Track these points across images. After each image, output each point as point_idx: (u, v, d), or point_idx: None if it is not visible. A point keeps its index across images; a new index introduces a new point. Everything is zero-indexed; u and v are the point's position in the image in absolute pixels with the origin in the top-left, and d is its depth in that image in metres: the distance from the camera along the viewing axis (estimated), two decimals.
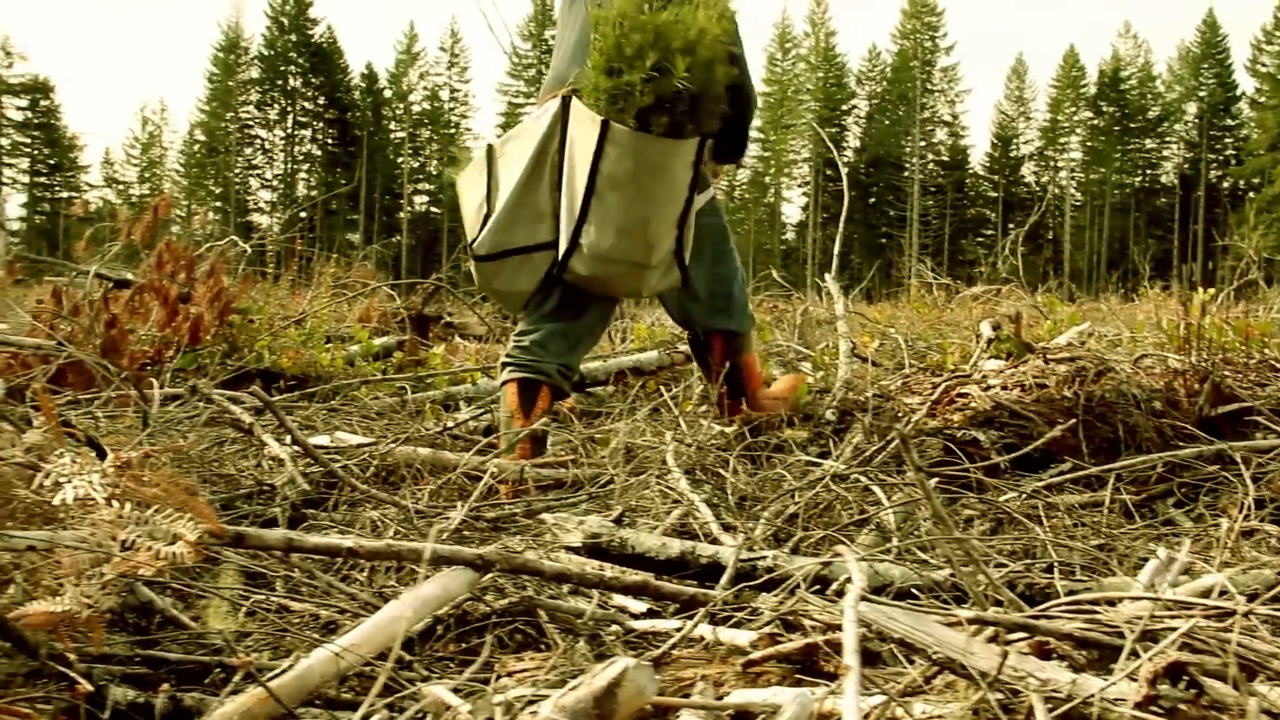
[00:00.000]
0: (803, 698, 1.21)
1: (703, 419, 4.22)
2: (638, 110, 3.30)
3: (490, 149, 3.75)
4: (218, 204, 71.04)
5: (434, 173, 79.60)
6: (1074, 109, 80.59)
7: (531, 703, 1.17)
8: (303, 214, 13.62)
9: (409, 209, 78.90)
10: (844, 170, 6.95)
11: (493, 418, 4.41)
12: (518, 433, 3.58)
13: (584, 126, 3.44)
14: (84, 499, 1.28)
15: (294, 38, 77.99)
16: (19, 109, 73.89)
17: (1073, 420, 3.66)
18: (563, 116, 3.54)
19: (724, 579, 1.88)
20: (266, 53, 78.10)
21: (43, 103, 74.17)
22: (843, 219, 6.09)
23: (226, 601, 1.64)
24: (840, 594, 1.78)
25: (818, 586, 1.82)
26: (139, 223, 6.22)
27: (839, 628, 1.55)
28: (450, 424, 4.28)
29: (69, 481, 1.32)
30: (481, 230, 3.64)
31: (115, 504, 1.26)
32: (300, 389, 5.52)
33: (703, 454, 3.51)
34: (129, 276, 6.22)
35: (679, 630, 1.70)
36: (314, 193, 74.63)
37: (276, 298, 8.74)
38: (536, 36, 78.67)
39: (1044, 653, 1.31)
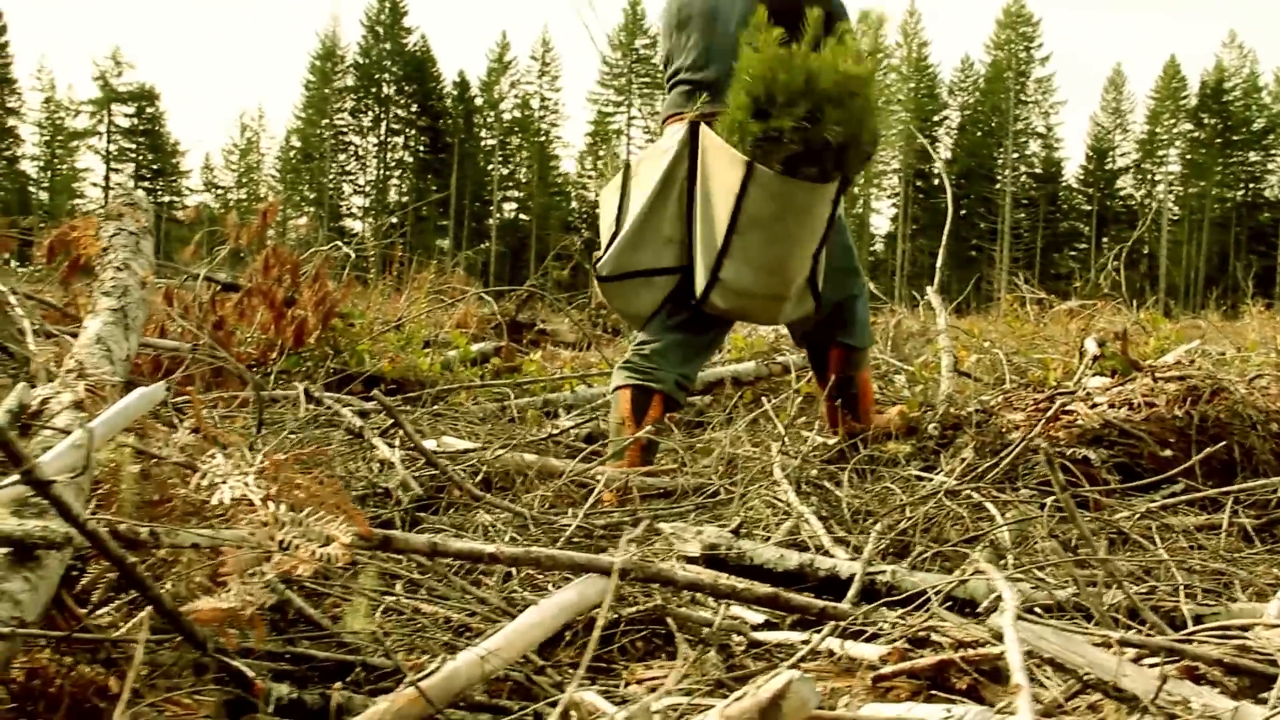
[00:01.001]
0: (984, 714, 1.20)
1: (804, 431, 4.21)
2: (786, 156, 3.29)
3: (628, 166, 3.78)
4: (312, 209, 72.27)
5: (523, 180, 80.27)
6: (1173, 121, 78.87)
7: (685, 713, 1.18)
8: (394, 219, 13.77)
9: (498, 216, 79.63)
10: (948, 183, 6.88)
11: (596, 426, 4.45)
12: (627, 439, 3.59)
13: (722, 160, 3.42)
14: (240, 499, 1.32)
15: (388, 46, 79.22)
16: (126, 116, 76.15)
17: (1184, 440, 3.59)
18: (690, 141, 3.54)
19: (851, 592, 1.88)
20: (361, 61, 79.41)
21: (148, 110, 76.31)
22: (946, 231, 6.03)
23: (365, 602, 1.67)
24: (977, 611, 1.77)
25: (949, 603, 1.81)
26: (246, 228, 6.37)
27: (974, 644, 1.55)
28: (554, 431, 4.31)
29: (225, 482, 1.36)
30: (607, 250, 3.67)
31: (271, 504, 1.29)
32: (400, 393, 5.59)
33: (807, 466, 3.50)
34: (236, 280, 6.36)
35: (805, 642, 1.71)
36: (405, 199, 75.70)
37: (376, 303, 8.89)
38: (626, 46, 79.05)
39: (1194, 678, 1.29)
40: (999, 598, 1.33)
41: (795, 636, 1.78)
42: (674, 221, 3.58)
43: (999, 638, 1.42)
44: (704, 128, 3.49)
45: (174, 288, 6.00)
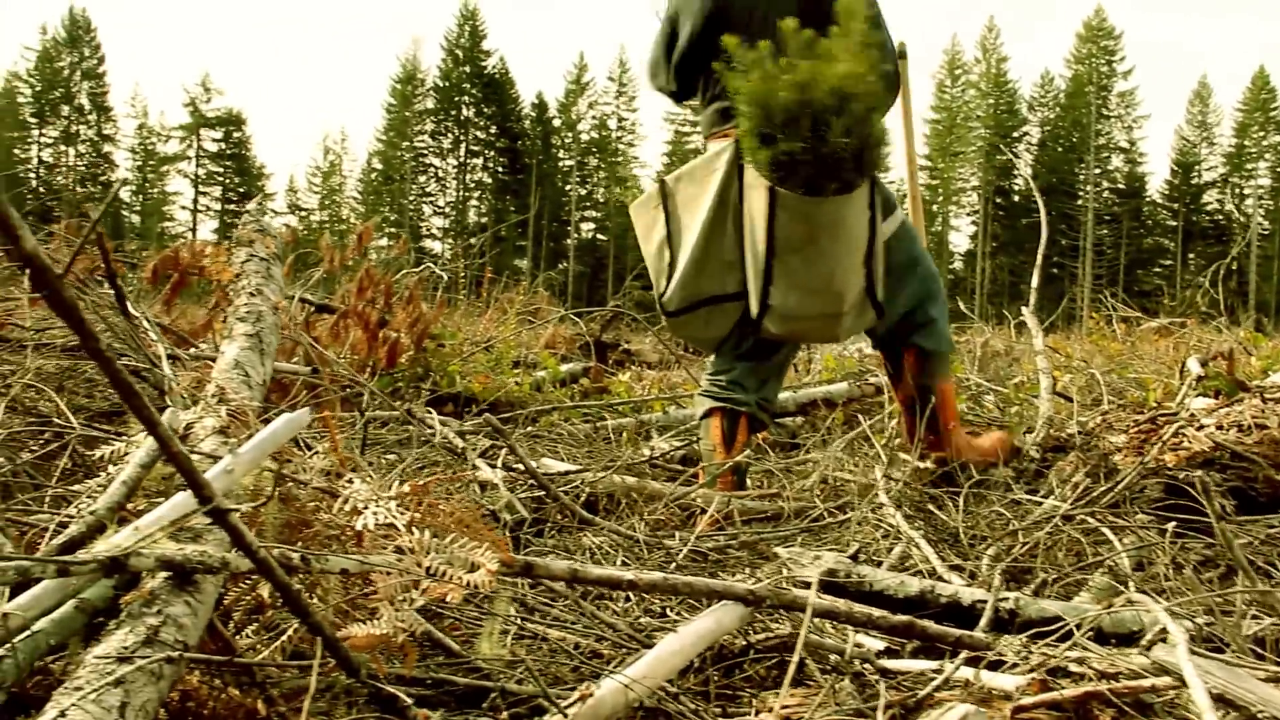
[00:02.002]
0: None
1: (901, 453, 4.16)
2: (805, 177, 3.19)
3: (664, 185, 3.64)
4: (393, 230, 73.25)
5: (601, 200, 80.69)
6: (1263, 133, 77.10)
7: None
8: (474, 240, 13.89)
9: (576, 236, 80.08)
10: (1040, 202, 6.74)
11: (692, 449, 4.43)
12: (721, 464, 3.58)
13: (757, 179, 3.33)
14: (383, 525, 1.32)
15: (468, 69, 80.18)
16: (214, 140, 77.97)
17: None
18: (736, 158, 3.43)
19: (983, 621, 1.84)
20: (441, 84, 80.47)
21: (235, 134, 78.08)
22: (1040, 251, 5.92)
23: (498, 627, 1.67)
24: (1123, 643, 1.73)
25: (1090, 632, 1.77)
26: (342, 250, 6.47)
27: (1118, 676, 1.51)
28: (650, 453, 4.31)
29: (366, 507, 1.36)
30: (669, 284, 3.57)
31: (415, 531, 1.29)
32: (492, 414, 5.61)
33: (909, 489, 3.46)
34: (328, 302, 6.44)
35: (936, 671, 1.68)
36: (484, 220, 76.46)
37: (462, 323, 8.95)
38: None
39: None
40: (1161, 630, 1.29)
41: (925, 665, 1.75)
42: (733, 245, 3.48)
43: (1154, 670, 1.38)
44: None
45: (223, 304, 6.10)
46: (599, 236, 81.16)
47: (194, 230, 76.85)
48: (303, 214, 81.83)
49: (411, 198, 79.99)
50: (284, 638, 1.42)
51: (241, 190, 78.46)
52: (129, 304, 2.70)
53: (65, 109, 74.26)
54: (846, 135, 3.11)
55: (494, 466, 3.32)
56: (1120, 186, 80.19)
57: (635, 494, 3.34)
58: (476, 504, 2.07)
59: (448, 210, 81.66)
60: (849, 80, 3.08)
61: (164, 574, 1.20)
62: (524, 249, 75.42)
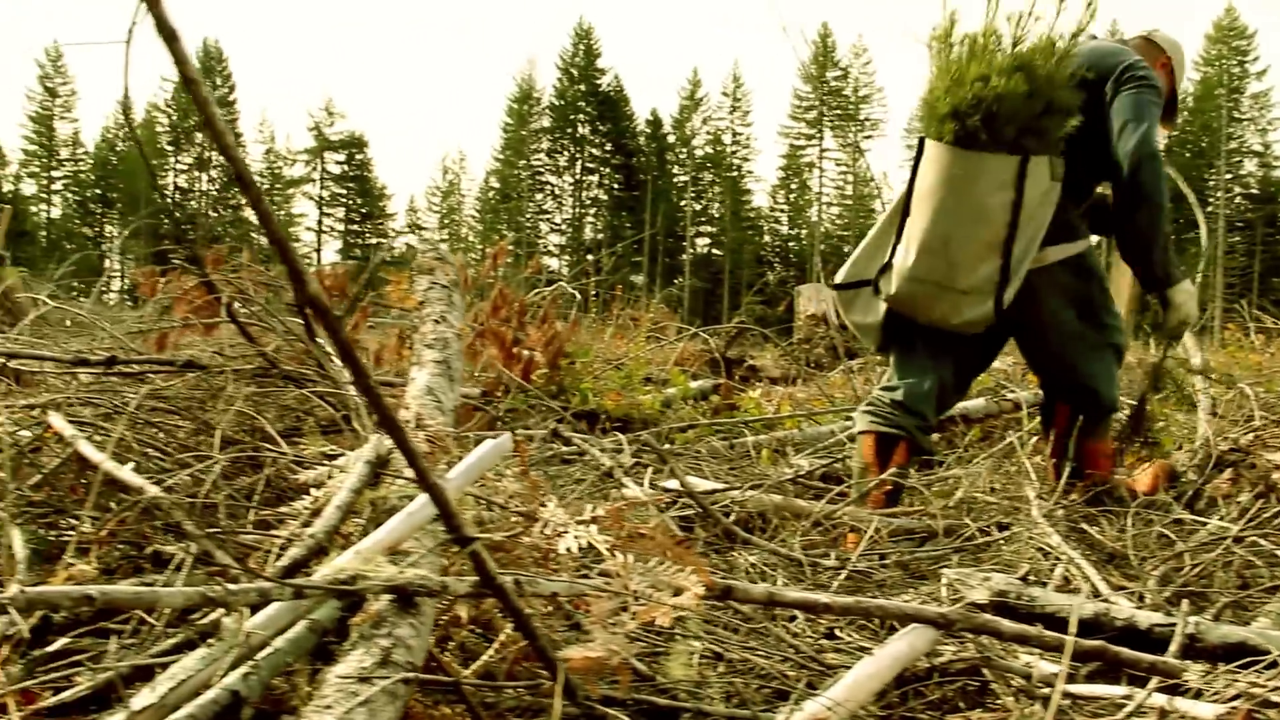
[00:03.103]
0: None
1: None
2: (946, 119, 3.27)
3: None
4: (511, 248, 74.27)
5: (716, 215, 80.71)
6: None
7: None
8: (600, 255, 14.07)
9: (691, 251, 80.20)
10: (1200, 216, 6.52)
11: (832, 466, 4.41)
12: (871, 482, 3.56)
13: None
14: (586, 548, 1.36)
15: (583, 87, 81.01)
16: (337, 163, 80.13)
17: None
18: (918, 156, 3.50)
19: (1173, 647, 1.81)
20: (557, 102, 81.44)
21: (357, 156, 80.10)
22: (1204, 264, 5.74)
23: (688, 649, 1.69)
24: None
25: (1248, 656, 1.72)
26: (479, 269, 6.58)
27: None
28: (800, 471, 4.30)
29: (567, 531, 1.40)
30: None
31: (618, 554, 1.32)
32: (624, 430, 5.65)
33: (1062, 508, 3.39)
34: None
35: (1126, 698, 1.65)
36: (600, 236, 77.07)
37: (588, 340, 9.02)
38: (817, 78, 78.81)
39: None
40: None
41: (1113, 691, 1.73)
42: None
43: None
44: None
45: (406, 330, 6.24)
46: (714, 251, 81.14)
47: (318, 251, 78.97)
48: (422, 233, 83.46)
49: (528, 215, 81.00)
50: (483, 658, 1.46)
51: (364, 211, 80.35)
52: (314, 331, 2.80)
53: (199, 136, 76.98)
54: (1004, 83, 3.16)
55: (640, 485, 3.35)
56: (1254, 191, 77.42)
57: (787, 512, 3.34)
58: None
59: (564, 227, 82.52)
60: (1027, 57, 3.20)
61: (388, 597, 1.25)
62: (639, 264, 75.78)
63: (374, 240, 78.77)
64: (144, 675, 1.27)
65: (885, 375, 3.79)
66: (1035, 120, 3.24)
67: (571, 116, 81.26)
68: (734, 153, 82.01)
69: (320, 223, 79.67)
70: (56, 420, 1.92)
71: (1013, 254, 3.32)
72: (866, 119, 79.74)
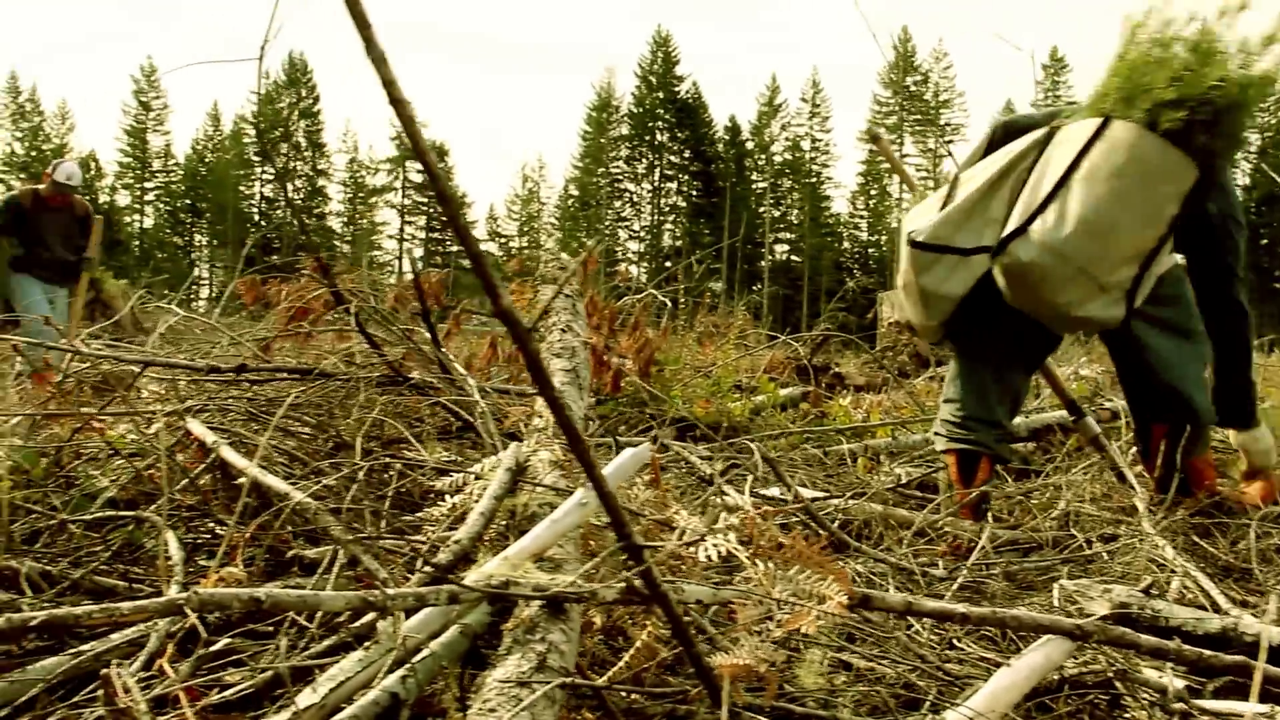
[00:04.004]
0: None
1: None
2: (1151, 105, 3.10)
3: (957, 179, 3.59)
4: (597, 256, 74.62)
5: (795, 221, 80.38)
6: None
7: None
8: (687, 263, 14.23)
9: (770, 258, 79.96)
10: None
11: (930, 476, 4.38)
12: (961, 499, 3.53)
13: (1072, 136, 3.27)
14: (727, 556, 1.37)
15: (661, 95, 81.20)
16: (419, 172, 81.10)
17: None
18: (1043, 143, 3.37)
19: None
20: (635, 110, 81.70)
21: (439, 165, 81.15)
22: None
23: (820, 657, 1.70)
24: None
25: None
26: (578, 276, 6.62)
27: None
28: (891, 479, 4.28)
29: (705, 538, 1.41)
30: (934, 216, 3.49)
31: (760, 562, 1.33)
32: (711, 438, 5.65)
33: (1171, 519, 3.33)
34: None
35: (1267, 716, 1.62)
36: (679, 243, 77.14)
37: (676, 348, 9.04)
38: (897, 84, 78.25)
39: None
40: None
41: (1248, 708, 1.70)
42: (1003, 205, 3.35)
43: None
44: (1065, 124, 3.35)
45: (496, 336, 6.30)
46: (793, 258, 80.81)
47: (400, 259, 79.98)
48: (502, 240, 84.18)
49: (607, 223, 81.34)
50: (619, 664, 1.48)
51: (445, 219, 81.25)
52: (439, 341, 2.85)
53: (284, 147, 78.56)
54: (1219, 85, 3.06)
55: (740, 493, 3.36)
56: None
57: (893, 520, 3.32)
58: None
59: (643, 234, 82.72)
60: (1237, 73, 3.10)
61: (537, 602, 1.28)
62: (718, 271, 75.69)
63: (454, 248, 79.67)
64: (297, 676, 1.31)
65: (948, 389, 3.69)
66: (1232, 142, 3.16)
67: (650, 124, 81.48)
68: (813, 159, 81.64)
69: (402, 231, 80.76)
70: (197, 427, 1.98)
71: (1151, 265, 3.22)
72: (947, 124, 79.01)
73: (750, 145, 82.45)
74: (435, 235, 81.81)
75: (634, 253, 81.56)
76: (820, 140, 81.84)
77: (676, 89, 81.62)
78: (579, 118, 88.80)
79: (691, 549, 1.41)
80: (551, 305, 2.48)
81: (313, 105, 79.58)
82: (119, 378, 3.47)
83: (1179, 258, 3.53)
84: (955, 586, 2.55)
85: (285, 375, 2.90)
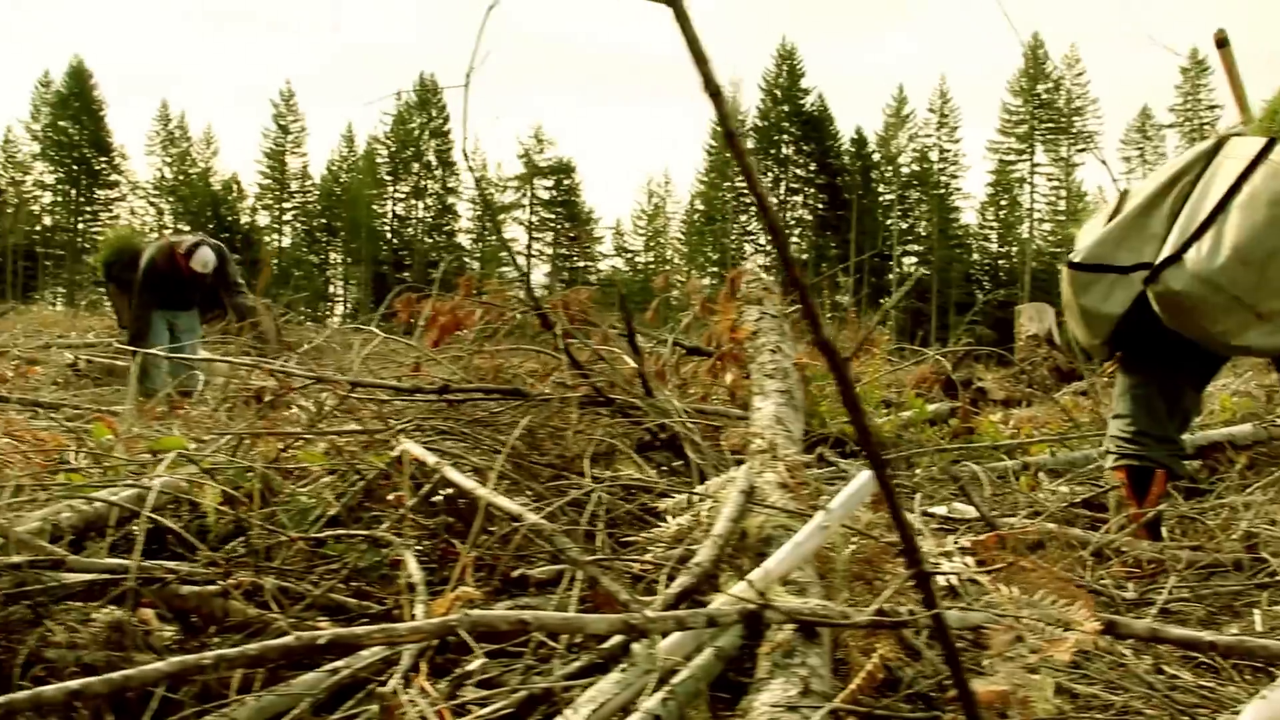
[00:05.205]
0: None
1: None
2: None
3: (1126, 192, 3.58)
4: (715, 269, 74.65)
5: (923, 233, 79.31)
6: None
7: None
8: (834, 278, 14.02)
9: (897, 270, 78.98)
10: None
11: (1097, 496, 4.28)
12: (1141, 515, 3.45)
13: (1238, 152, 3.22)
14: (966, 579, 1.37)
15: (786, 108, 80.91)
16: (546, 189, 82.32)
17: None
18: (1210, 154, 3.34)
19: None
20: (761, 123, 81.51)
21: (565, 182, 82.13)
22: None
23: (1050, 683, 1.68)
24: None
25: None
26: (714, 294, 6.65)
27: None
28: (1061, 498, 4.20)
29: (940, 561, 1.41)
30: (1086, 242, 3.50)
31: (1005, 587, 1.33)
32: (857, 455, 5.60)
33: None
34: (694, 344, 6.62)
35: None
36: (805, 256, 76.66)
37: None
38: (1028, 91, 76.73)
39: None
40: None
41: None
42: (1164, 220, 3.33)
43: None
44: (1234, 139, 3.30)
45: (646, 352, 6.34)
46: (922, 270, 79.68)
47: (528, 275, 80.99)
48: (628, 256, 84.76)
49: (733, 237, 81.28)
50: (849, 688, 1.49)
51: (571, 235, 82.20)
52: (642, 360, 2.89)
53: (415, 166, 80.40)
54: None
55: (910, 511, 3.33)
56: None
57: (1073, 540, 3.26)
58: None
59: (769, 249, 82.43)
60: None
61: (790, 626, 1.29)
62: (844, 285, 75.00)
63: (582, 264, 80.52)
64: (544, 697, 1.34)
65: (1118, 405, 3.61)
66: None
67: (775, 137, 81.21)
68: (941, 170, 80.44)
69: (529, 247, 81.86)
70: (415, 448, 2.04)
71: None
72: (1079, 132, 77.13)
73: (877, 157, 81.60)
74: (563, 251, 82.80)
75: (761, 267, 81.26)
76: (949, 151, 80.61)
77: (801, 101, 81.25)
78: (704, 132, 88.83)
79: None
80: (759, 326, 2.50)
81: (443, 125, 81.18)
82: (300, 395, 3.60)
83: None
84: (1155, 610, 2.48)
85: (483, 395, 2.96)
